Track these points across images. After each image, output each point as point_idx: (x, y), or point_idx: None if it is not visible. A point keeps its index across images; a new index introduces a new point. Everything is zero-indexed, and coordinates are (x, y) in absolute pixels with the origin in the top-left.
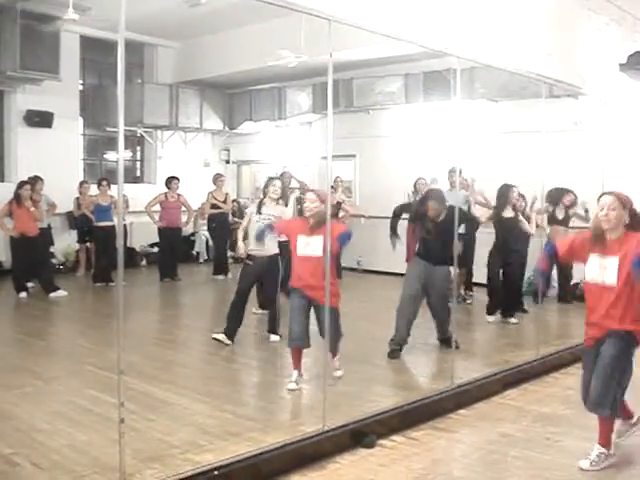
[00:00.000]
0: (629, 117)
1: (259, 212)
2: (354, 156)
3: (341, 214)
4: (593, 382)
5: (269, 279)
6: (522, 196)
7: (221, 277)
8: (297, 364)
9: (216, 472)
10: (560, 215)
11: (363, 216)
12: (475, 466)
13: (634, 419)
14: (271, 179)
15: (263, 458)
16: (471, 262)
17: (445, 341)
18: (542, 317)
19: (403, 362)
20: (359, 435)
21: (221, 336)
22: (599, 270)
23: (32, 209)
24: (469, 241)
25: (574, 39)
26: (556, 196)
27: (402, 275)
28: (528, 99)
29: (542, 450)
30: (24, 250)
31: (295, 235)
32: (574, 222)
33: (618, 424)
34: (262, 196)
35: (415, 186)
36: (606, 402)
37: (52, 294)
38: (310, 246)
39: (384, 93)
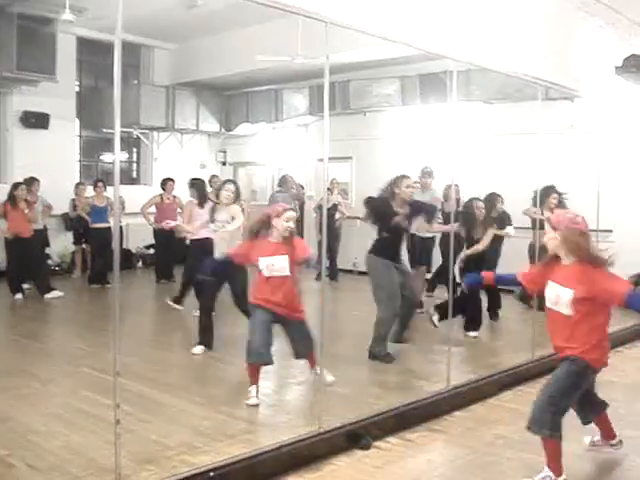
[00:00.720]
0: (624, 120)
1: (212, 220)
2: (350, 158)
3: (337, 216)
4: (535, 400)
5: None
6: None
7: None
8: (255, 380)
9: (212, 473)
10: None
11: (359, 218)
12: (470, 468)
13: (615, 440)
14: (226, 182)
15: (259, 459)
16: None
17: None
18: (537, 319)
19: (398, 364)
20: (355, 437)
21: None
22: (555, 299)
23: (26, 210)
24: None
25: (570, 41)
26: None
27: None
28: (524, 101)
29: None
30: (18, 251)
31: (256, 258)
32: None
33: (600, 442)
34: (215, 199)
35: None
36: (544, 422)
37: (47, 295)
38: (275, 266)
39: (380, 95)
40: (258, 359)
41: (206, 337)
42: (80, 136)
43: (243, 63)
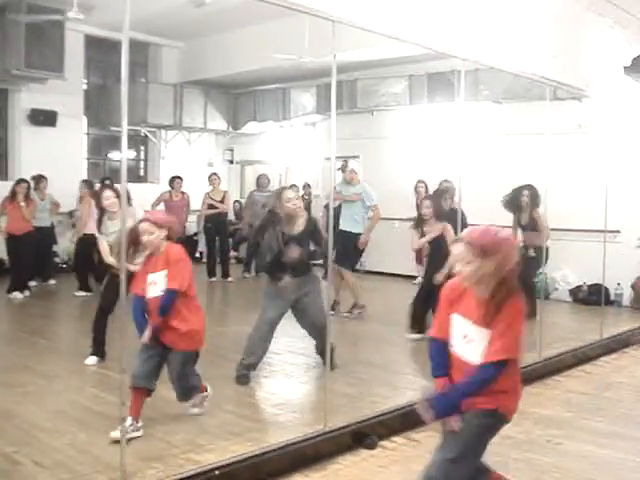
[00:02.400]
0: (633, 120)
1: (100, 232)
2: (358, 157)
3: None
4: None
5: None
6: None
7: (213, 279)
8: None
9: (217, 472)
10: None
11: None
12: None
13: None
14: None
15: (264, 458)
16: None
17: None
18: (545, 319)
19: (404, 363)
20: (360, 436)
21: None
22: (461, 340)
23: (22, 203)
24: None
25: (578, 41)
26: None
27: (405, 277)
28: (532, 101)
29: (543, 453)
30: (14, 249)
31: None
32: None
33: None
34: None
35: (415, 189)
36: None
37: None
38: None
39: (388, 94)
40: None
41: None
42: (87, 134)
43: (251, 62)
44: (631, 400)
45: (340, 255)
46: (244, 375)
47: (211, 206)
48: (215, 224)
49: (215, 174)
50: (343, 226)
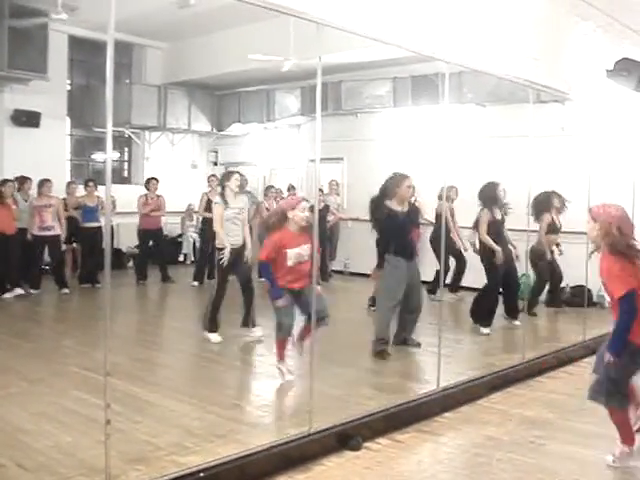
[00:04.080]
0: (615, 123)
1: (227, 205)
2: (342, 159)
3: (329, 217)
4: None
5: (242, 266)
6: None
7: (196, 283)
8: (282, 356)
9: (202, 474)
10: (557, 221)
11: (351, 219)
12: (460, 469)
13: None
14: (230, 172)
15: (249, 460)
16: None
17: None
18: (529, 321)
19: (389, 365)
20: (345, 437)
21: (212, 335)
22: None
23: (14, 207)
24: None
25: (561, 45)
26: (548, 200)
27: None
28: (516, 104)
29: (526, 453)
30: (4, 249)
31: (283, 251)
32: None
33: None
34: (221, 189)
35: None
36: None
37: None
38: (303, 256)
39: (372, 96)
40: (287, 334)
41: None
42: (71, 135)
43: (235, 63)
44: None
45: None
46: (380, 351)
47: (209, 209)
48: (211, 227)
49: (214, 175)
50: None
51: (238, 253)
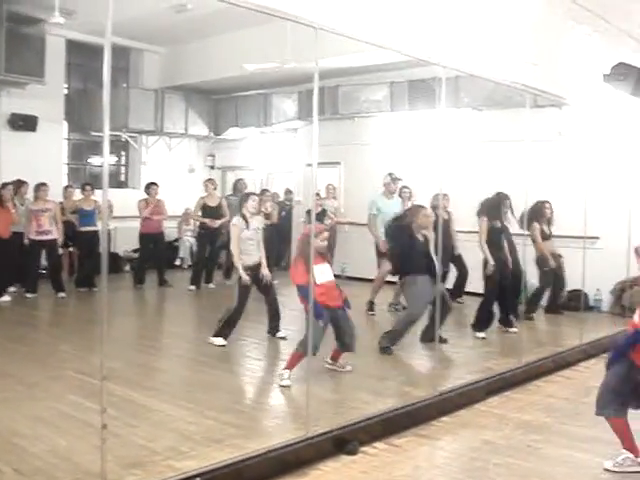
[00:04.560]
0: (612, 128)
1: (247, 225)
2: (339, 163)
3: (327, 221)
4: None
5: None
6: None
7: (193, 288)
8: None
9: (198, 479)
10: (547, 230)
11: (348, 223)
12: (457, 473)
13: None
14: (247, 195)
15: (245, 464)
16: None
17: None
18: (527, 325)
19: (386, 369)
20: (342, 442)
21: (218, 339)
22: None
23: (13, 210)
24: None
25: (558, 49)
26: (538, 210)
27: (386, 282)
28: (512, 108)
29: (523, 457)
30: (2, 252)
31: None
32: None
33: None
34: (240, 210)
35: (400, 195)
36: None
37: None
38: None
39: (369, 101)
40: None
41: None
42: (68, 139)
43: (232, 67)
44: None
45: None
46: (387, 347)
47: (205, 213)
48: (210, 231)
49: (211, 180)
50: None
51: (256, 270)
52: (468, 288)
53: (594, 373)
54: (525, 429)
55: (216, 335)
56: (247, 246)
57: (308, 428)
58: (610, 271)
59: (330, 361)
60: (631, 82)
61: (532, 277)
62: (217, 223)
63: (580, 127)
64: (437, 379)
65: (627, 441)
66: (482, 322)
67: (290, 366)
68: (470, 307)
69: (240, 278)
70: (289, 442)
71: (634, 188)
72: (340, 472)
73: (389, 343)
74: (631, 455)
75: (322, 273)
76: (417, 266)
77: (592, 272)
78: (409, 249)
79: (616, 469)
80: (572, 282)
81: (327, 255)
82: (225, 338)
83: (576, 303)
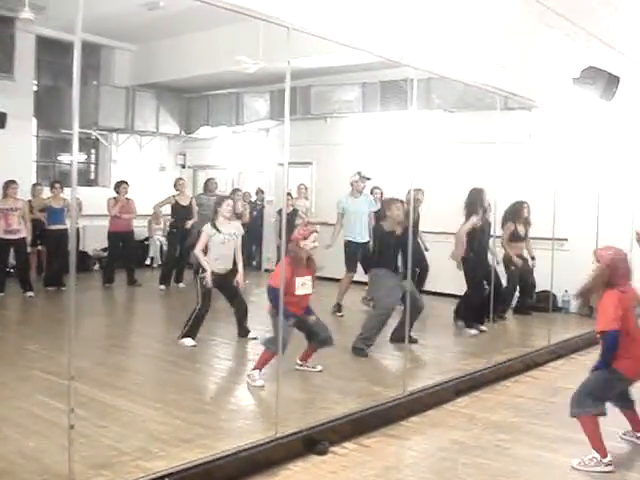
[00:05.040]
0: (581, 130)
1: (218, 231)
2: (311, 163)
3: (298, 221)
4: None
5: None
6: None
7: (162, 287)
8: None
9: (167, 479)
10: (522, 231)
11: (319, 223)
12: (426, 473)
13: None
14: (223, 198)
15: (215, 465)
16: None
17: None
18: (496, 326)
19: (355, 369)
20: (311, 442)
21: (187, 340)
22: None
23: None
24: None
25: (529, 53)
26: (516, 211)
27: (357, 283)
28: (483, 110)
29: (492, 457)
30: None
31: (293, 279)
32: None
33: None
34: (214, 215)
35: (372, 194)
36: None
37: None
38: (305, 285)
39: (341, 101)
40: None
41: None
42: (37, 136)
43: (204, 66)
44: None
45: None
46: (362, 349)
47: (176, 212)
48: (181, 230)
49: (182, 179)
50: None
51: (225, 277)
52: (435, 288)
53: (562, 374)
54: (494, 429)
55: (185, 336)
56: (220, 251)
57: (277, 428)
58: (578, 272)
59: (300, 362)
60: (600, 86)
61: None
62: (189, 224)
63: (549, 130)
64: (407, 379)
65: (595, 441)
66: (472, 318)
67: (260, 366)
68: (432, 306)
69: (202, 279)
70: (259, 442)
71: (602, 190)
72: (310, 472)
73: (363, 345)
74: (598, 455)
75: (303, 285)
76: (387, 261)
77: (560, 273)
78: (380, 243)
79: (581, 468)
80: (541, 283)
81: (313, 265)
82: (193, 338)
83: (544, 304)
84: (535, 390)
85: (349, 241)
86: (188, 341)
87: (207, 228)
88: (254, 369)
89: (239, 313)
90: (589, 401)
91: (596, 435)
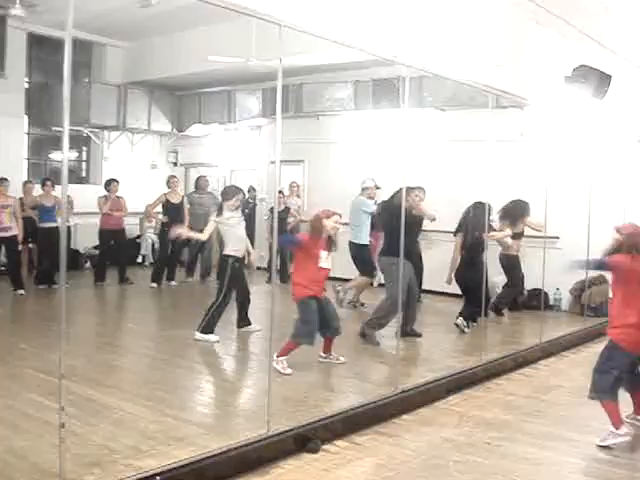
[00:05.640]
0: (573, 129)
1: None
2: (303, 161)
3: (290, 219)
4: None
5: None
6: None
7: (154, 285)
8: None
9: (158, 477)
10: (519, 229)
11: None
12: (418, 471)
13: None
14: (236, 191)
15: (206, 463)
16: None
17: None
18: (488, 324)
19: (347, 367)
20: (303, 440)
21: (209, 336)
22: None
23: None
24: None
25: (521, 51)
26: (518, 211)
27: (347, 280)
28: (475, 109)
29: (484, 455)
30: None
31: (317, 250)
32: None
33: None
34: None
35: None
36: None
37: None
38: (326, 260)
39: (333, 99)
40: (310, 341)
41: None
42: (28, 133)
43: (196, 63)
44: (570, 403)
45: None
46: (372, 336)
47: (167, 210)
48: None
49: (174, 176)
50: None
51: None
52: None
53: (553, 371)
54: (485, 427)
55: (206, 331)
56: (237, 238)
57: (269, 426)
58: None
59: (323, 354)
60: (592, 84)
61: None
62: (182, 234)
63: (541, 128)
64: (398, 377)
65: (616, 420)
66: (471, 315)
67: (284, 353)
68: (428, 305)
69: (234, 267)
70: (250, 440)
71: (593, 188)
72: (302, 470)
73: (372, 330)
74: (614, 429)
75: (325, 260)
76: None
77: (552, 271)
78: (392, 230)
79: (604, 443)
80: (532, 281)
81: (333, 245)
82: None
83: (536, 302)
84: (527, 388)
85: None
86: (213, 337)
87: (219, 218)
88: (279, 356)
89: (242, 300)
90: (601, 382)
91: (617, 415)
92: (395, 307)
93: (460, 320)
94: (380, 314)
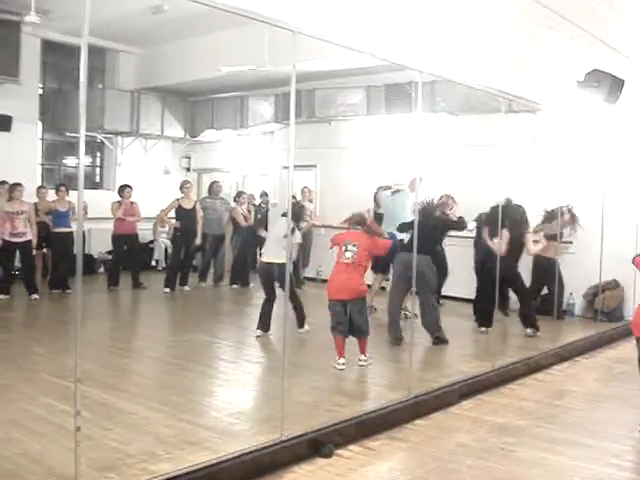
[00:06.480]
0: (585, 133)
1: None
2: (315, 166)
3: (302, 224)
4: None
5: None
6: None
7: (167, 290)
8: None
9: None
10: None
11: (323, 226)
12: (431, 476)
13: None
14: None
15: (220, 468)
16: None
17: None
18: (500, 329)
19: (361, 372)
20: (316, 445)
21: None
22: None
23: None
24: None
25: (533, 56)
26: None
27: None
28: (488, 114)
29: (497, 460)
30: None
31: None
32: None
33: None
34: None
35: (375, 198)
36: None
37: None
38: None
39: (346, 104)
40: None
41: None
42: (43, 139)
43: (209, 69)
44: (583, 408)
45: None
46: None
47: (180, 215)
48: (186, 232)
49: (188, 182)
50: None
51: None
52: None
53: (567, 376)
54: (499, 432)
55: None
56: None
57: (283, 431)
58: (583, 275)
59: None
60: (604, 89)
61: None
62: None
63: (554, 132)
64: (412, 382)
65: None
66: (485, 316)
67: (340, 351)
68: (448, 311)
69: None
70: (264, 445)
71: (607, 193)
72: (315, 475)
73: (438, 331)
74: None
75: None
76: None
77: (565, 276)
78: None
79: None
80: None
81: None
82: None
83: (549, 307)
84: (540, 393)
85: None
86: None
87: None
88: (338, 358)
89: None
90: None
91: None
92: (431, 302)
93: (529, 331)
94: (433, 319)
